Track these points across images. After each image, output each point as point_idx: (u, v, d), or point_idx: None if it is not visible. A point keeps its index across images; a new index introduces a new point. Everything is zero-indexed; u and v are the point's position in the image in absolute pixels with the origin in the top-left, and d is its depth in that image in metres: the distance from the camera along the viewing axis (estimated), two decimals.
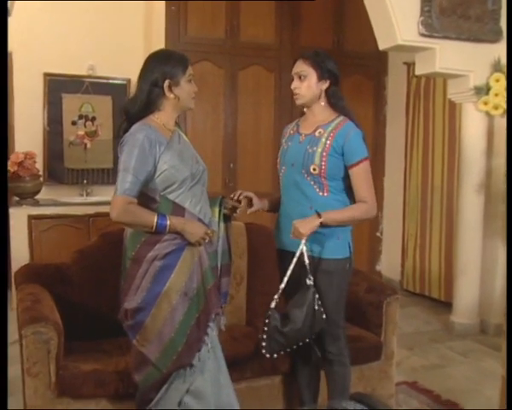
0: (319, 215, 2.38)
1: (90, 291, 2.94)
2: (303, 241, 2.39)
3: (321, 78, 2.47)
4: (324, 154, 2.42)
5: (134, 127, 2.18)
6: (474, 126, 4.34)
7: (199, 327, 2.24)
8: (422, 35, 3.99)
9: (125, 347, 2.74)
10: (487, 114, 4.26)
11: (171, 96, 2.22)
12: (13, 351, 3.07)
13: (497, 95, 4.14)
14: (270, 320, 2.37)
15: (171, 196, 2.19)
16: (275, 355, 2.42)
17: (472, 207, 4.41)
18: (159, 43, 5.10)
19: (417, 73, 4.41)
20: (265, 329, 2.38)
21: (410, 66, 5.50)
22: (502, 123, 4.28)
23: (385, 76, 5.82)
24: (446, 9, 4.02)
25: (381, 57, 5.63)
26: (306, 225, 2.38)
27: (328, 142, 2.43)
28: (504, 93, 4.12)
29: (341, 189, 2.49)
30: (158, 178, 2.16)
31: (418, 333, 4.48)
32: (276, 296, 2.42)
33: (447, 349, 4.13)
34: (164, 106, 2.24)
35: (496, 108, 4.17)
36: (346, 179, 2.48)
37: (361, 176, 2.45)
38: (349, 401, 2.12)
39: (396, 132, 5.77)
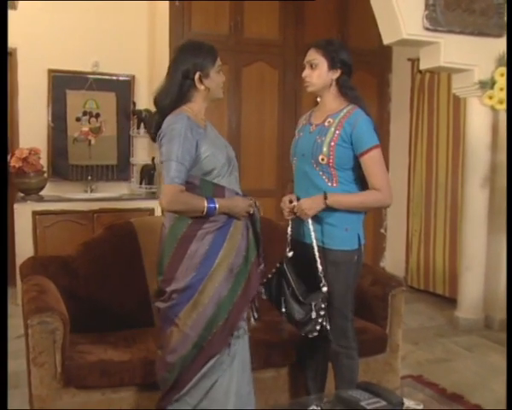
0: (326, 197, 2.39)
1: (95, 284, 2.95)
2: (311, 227, 2.41)
3: (332, 67, 2.46)
4: (332, 143, 2.41)
5: (170, 118, 2.20)
6: (479, 121, 4.33)
7: (241, 304, 2.26)
8: (427, 29, 3.98)
9: (130, 339, 2.76)
10: (492, 108, 4.25)
11: (202, 87, 2.25)
12: (18, 345, 3.10)
13: (502, 89, 4.13)
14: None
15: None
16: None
17: (476, 203, 4.41)
18: (163, 40, 5.11)
19: (422, 67, 4.40)
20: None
21: (414, 62, 5.50)
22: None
23: (389, 73, 5.80)
24: (451, 3, 4.01)
25: (385, 54, 5.62)
26: (312, 206, 2.40)
27: (337, 131, 2.42)
28: None
29: (351, 179, 2.47)
30: (198, 166, 2.19)
31: (423, 328, 4.47)
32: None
33: (452, 344, 4.12)
34: (195, 97, 2.26)
35: (501, 102, 4.15)
36: (357, 170, 2.46)
37: (372, 164, 2.42)
38: (356, 389, 2.13)
39: (400, 129, 5.76)
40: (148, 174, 5.36)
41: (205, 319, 2.20)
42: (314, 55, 2.48)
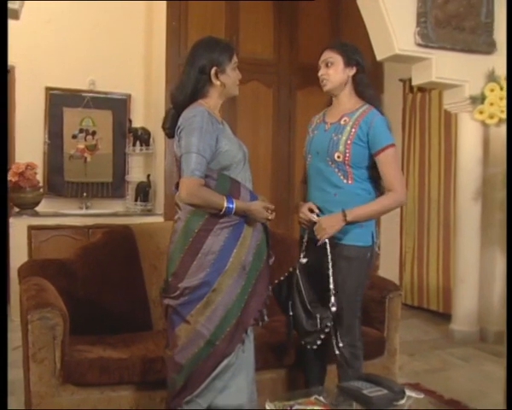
0: (345, 215, 2.41)
1: (93, 287, 2.95)
2: (328, 248, 2.43)
3: (347, 64, 2.51)
4: (349, 142, 2.46)
5: (188, 111, 2.20)
6: (470, 136, 4.41)
7: (253, 302, 2.24)
8: (419, 45, 4.09)
9: (128, 341, 2.76)
10: (483, 123, 4.34)
11: (218, 83, 2.25)
12: (14, 356, 3.08)
13: (492, 104, 4.23)
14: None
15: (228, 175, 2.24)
16: None
17: (469, 216, 4.46)
18: (159, 59, 5.20)
19: (414, 83, 4.50)
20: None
21: (405, 82, 5.61)
22: (497, 132, 4.36)
23: (381, 93, 5.91)
24: (442, 21, 4.13)
25: (377, 74, 5.74)
26: (332, 224, 2.42)
27: (353, 130, 2.46)
28: (499, 102, 4.21)
29: (366, 178, 2.52)
30: (217, 160, 2.18)
31: (418, 341, 4.47)
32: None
33: (448, 355, 4.12)
34: (210, 93, 2.27)
35: (491, 117, 4.25)
36: (372, 169, 2.50)
37: (387, 162, 2.45)
38: (357, 380, 2.14)
39: None
40: (144, 191, 5.39)
41: (218, 317, 2.17)
42: (330, 54, 2.54)
